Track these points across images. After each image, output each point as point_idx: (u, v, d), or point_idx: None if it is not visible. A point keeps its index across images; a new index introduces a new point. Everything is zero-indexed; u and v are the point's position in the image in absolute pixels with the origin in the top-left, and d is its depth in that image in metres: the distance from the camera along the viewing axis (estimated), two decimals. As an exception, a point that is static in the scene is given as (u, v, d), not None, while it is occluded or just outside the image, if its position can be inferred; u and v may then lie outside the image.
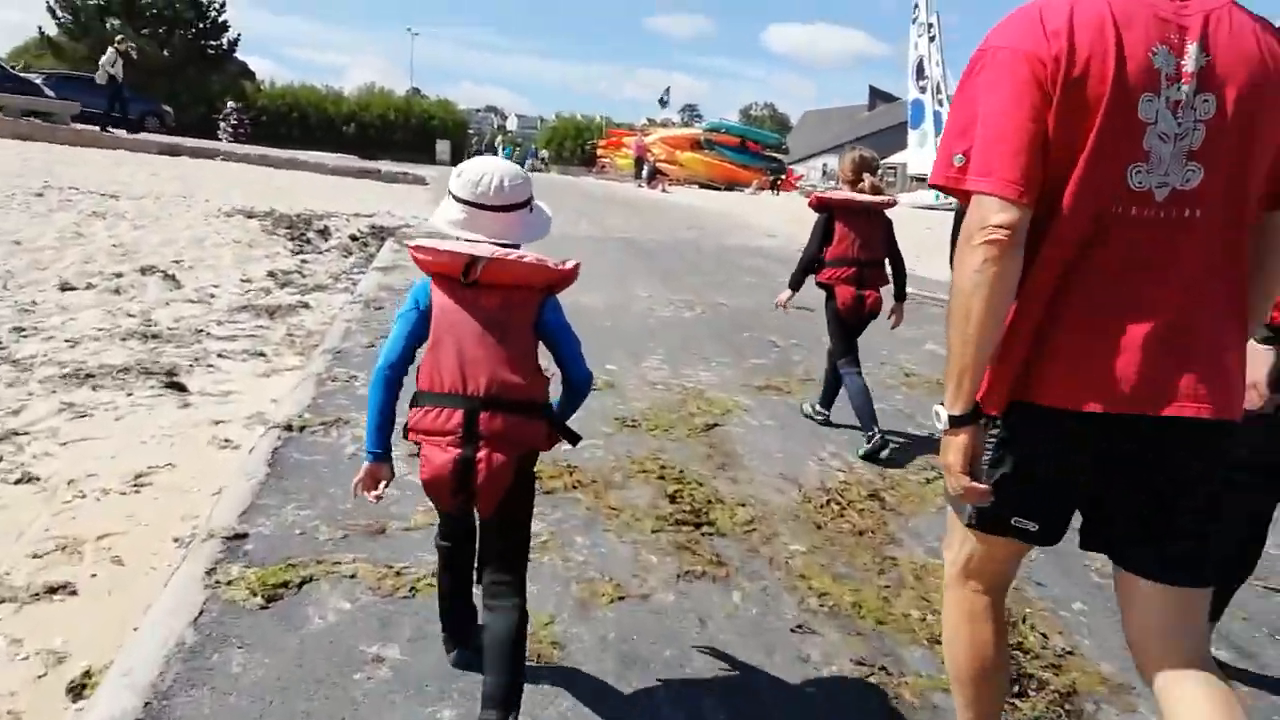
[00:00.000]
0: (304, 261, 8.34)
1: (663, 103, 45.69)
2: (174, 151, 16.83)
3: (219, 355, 5.07)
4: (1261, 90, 1.37)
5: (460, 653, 2.15)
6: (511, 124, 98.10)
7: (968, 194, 1.42)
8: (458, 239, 1.84)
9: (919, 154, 27.98)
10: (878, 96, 61.00)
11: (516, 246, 1.86)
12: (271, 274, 7.55)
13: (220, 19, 40.34)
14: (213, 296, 6.58)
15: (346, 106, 44.26)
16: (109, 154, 15.38)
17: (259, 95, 40.90)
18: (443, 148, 43.84)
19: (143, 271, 6.93)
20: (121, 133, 18.14)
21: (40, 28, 37.50)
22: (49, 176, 11.19)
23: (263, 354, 5.20)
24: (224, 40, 40.50)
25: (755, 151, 33.01)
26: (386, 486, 1.92)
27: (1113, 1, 1.37)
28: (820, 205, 4.23)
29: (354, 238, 9.83)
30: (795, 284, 4.26)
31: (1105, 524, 1.54)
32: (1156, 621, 1.48)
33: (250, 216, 10.06)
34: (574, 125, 53.13)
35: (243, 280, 7.22)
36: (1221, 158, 1.37)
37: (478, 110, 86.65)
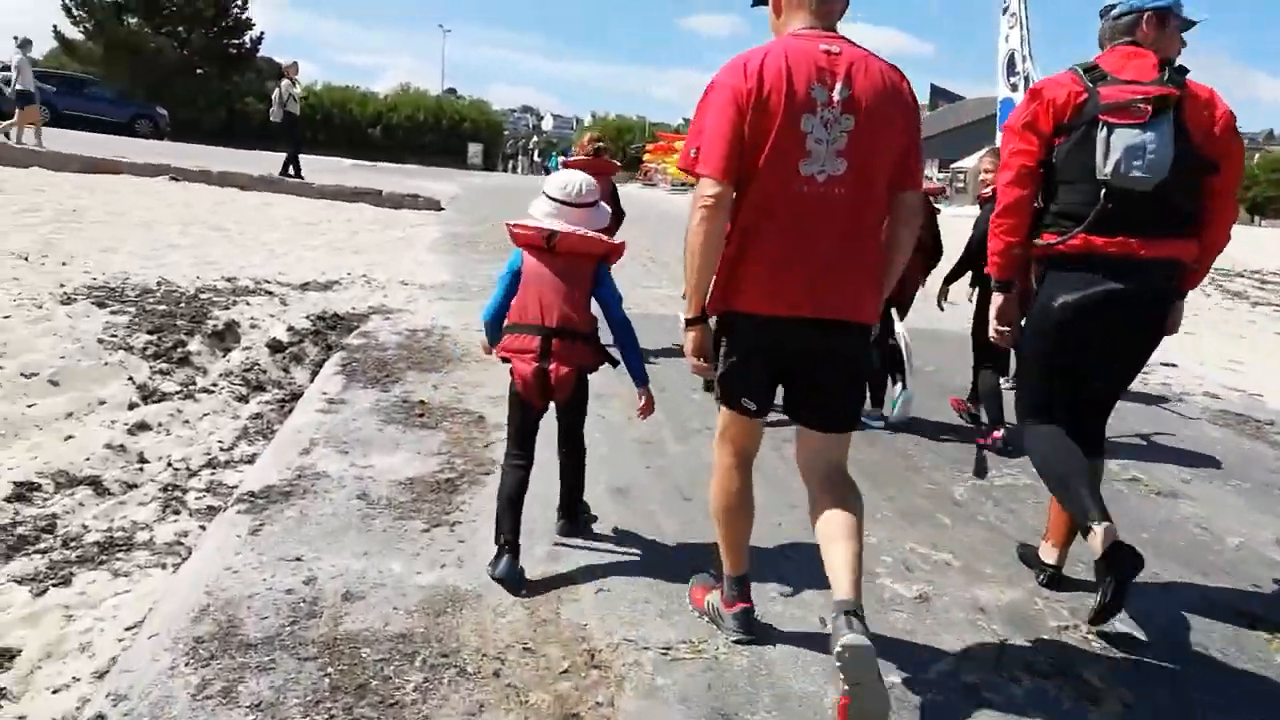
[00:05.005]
0: (140, 426, 4.13)
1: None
2: (110, 169, 12.74)
3: None
4: (883, 110, 2.17)
5: (509, 561, 2.67)
6: (547, 124, 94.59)
7: (699, 176, 2.19)
8: (539, 220, 2.75)
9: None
10: (939, 95, 56.64)
11: None
12: (27, 491, 3.36)
13: (244, 15, 37.17)
14: None
15: (373, 108, 40.59)
16: (9, 173, 11.35)
17: (279, 96, 37.26)
18: (474, 150, 40.55)
19: None
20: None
21: (55, 26, 34.48)
22: None
23: None
24: (246, 38, 37.11)
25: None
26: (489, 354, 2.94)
27: (788, 54, 2.16)
28: None
29: (277, 346, 5.47)
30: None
31: (790, 396, 2.37)
32: (813, 455, 2.34)
33: (103, 304, 5.71)
34: (613, 126, 49.19)
35: (-74, 530, 3.04)
36: (858, 155, 2.16)
37: (513, 111, 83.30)
